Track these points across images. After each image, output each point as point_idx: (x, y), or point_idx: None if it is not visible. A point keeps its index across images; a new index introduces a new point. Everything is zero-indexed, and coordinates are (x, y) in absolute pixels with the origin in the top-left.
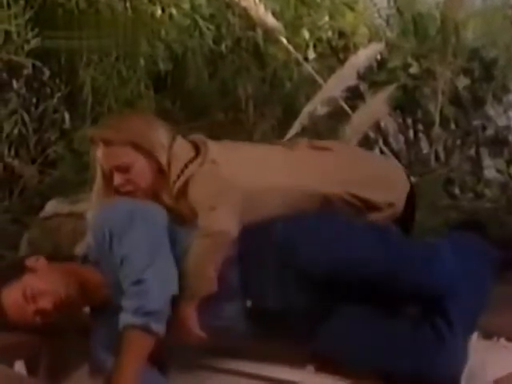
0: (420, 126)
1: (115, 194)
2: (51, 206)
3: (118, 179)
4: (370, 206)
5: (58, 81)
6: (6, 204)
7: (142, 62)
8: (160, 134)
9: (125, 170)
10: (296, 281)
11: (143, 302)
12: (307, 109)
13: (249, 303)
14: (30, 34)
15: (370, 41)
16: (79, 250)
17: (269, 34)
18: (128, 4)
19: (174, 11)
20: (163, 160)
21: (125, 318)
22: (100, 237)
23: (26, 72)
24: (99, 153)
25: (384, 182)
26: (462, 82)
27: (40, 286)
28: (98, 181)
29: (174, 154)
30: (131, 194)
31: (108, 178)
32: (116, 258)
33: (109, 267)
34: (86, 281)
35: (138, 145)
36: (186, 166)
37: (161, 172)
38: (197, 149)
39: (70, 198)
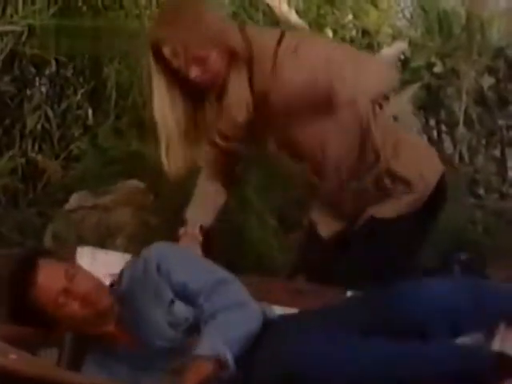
0: (444, 126)
1: (184, 89)
2: (75, 199)
3: (195, 71)
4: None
5: (81, 77)
6: (31, 197)
7: None
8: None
9: (201, 61)
10: None
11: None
12: None
13: None
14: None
15: (393, 40)
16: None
17: (293, 32)
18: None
19: None
20: (238, 46)
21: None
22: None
23: (49, 68)
24: (168, 52)
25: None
26: (487, 81)
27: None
28: (160, 83)
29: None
30: (207, 84)
31: (171, 76)
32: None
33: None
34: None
35: (211, 36)
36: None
37: (235, 58)
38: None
39: (94, 191)
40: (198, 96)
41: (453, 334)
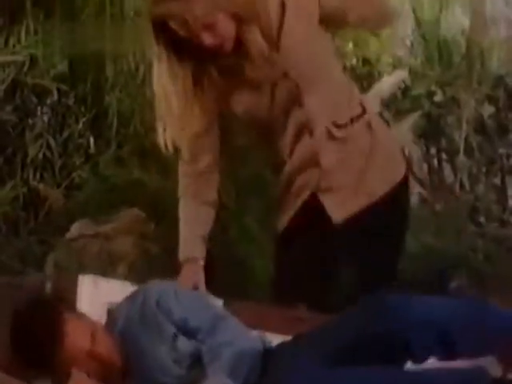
0: (444, 155)
1: (184, 62)
2: (76, 228)
3: (207, 38)
4: None
5: (83, 105)
6: (32, 226)
7: None
8: None
9: (211, 27)
10: None
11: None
12: None
13: None
14: (56, 59)
15: (394, 68)
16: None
17: None
18: None
19: None
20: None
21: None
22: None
23: (51, 97)
24: (175, 24)
25: None
26: (487, 110)
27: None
28: (161, 57)
29: None
30: (221, 47)
31: (172, 50)
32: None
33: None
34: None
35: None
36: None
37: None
38: None
39: (95, 219)
40: (197, 69)
41: (448, 352)
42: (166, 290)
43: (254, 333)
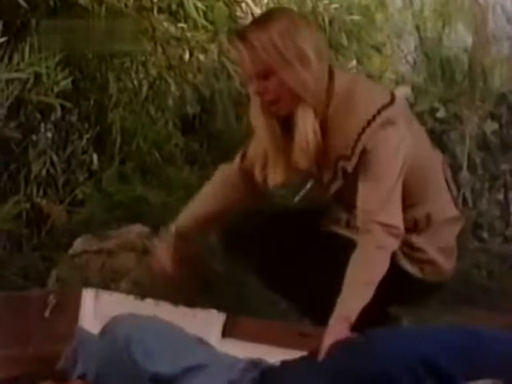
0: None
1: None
2: (79, 244)
3: (256, 85)
4: None
5: (86, 122)
6: (35, 242)
7: (170, 102)
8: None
9: (266, 77)
10: None
11: None
12: None
13: None
14: (59, 76)
15: (396, 85)
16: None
17: None
18: (159, 48)
19: (201, 56)
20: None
21: None
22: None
23: (55, 113)
24: (243, 51)
25: None
26: (490, 126)
27: None
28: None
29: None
30: (271, 106)
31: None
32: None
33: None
34: None
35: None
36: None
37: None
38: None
39: (98, 235)
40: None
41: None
42: (134, 334)
43: (242, 363)
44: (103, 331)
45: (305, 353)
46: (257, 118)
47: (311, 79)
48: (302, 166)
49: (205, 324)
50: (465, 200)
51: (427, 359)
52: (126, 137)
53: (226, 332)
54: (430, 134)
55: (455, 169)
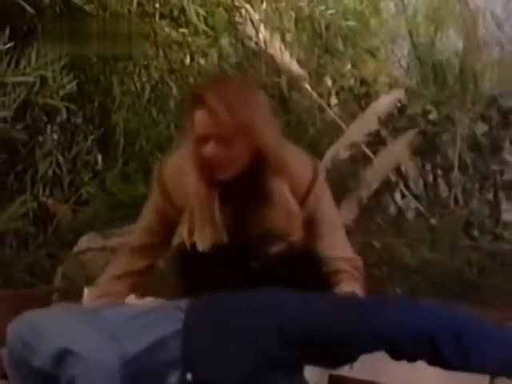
0: (439, 171)
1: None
2: (84, 241)
3: (211, 148)
4: None
5: (91, 124)
6: (41, 240)
7: (172, 105)
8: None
9: (225, 142)
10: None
11: None
12: (330, 153)
13: (189, 376)
14: (65, 80)
15: (390, 88)
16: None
17: (293, 81)
18: (161, 52)
19: (202, 60)
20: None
21: None
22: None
23: (60, 116)
24: (200, 116)
25: None
26: (480, 128)
27: None
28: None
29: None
30: (218, 169)
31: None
32: None
33: None
34: None
35: (250, 128)
36: (312, 182)
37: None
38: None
39: (102, 233)
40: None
41: (434, 357)
42: (15, 339)
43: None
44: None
45: None
46: (196, 182)
47: (275, 142)
48: (296, 235)
49: None
50: (456, 199)
51: (432, 335)
52: (129, 138)
53: None
54: (422, 135)
55: (447, 169)
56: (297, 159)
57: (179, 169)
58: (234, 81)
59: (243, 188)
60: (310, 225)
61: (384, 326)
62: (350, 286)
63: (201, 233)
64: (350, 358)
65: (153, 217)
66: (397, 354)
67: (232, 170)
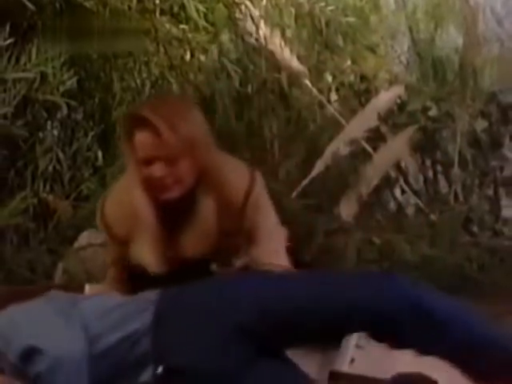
0: (439, 167)
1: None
2: (85, 237)
3: (159, 169)
4: None
5: (91, 120)
6: (42, 236)
7: None
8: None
9: (170, 162)
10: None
11: None
12: (330, 149)
13: (160, 369)
14: (65, 76)
15: (390, 84)
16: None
17: (293, 77)
18: (161, 48)
19: (202, 56)
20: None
21: None
22: None
23: (60, 112)
24: (141, 137)
25: None
26: (480, 124)
27: None
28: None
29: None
30: (168, 189)
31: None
32: None
33: None
34: None
35: (192, 143)
36: (249, 190)
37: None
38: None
39: None
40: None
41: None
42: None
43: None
44: None
45: None
46: (144, 206)
47: (213, 157)
48: (202, 252)
49: None
50: (456, 195)
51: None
52: None
53: None
54: (422, 131)
55: (447, 165)
56: (233, 169)
57: (119, 201)
58: (172, 99)
59: (179, 208)
60: (249, 232)
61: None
62: None
63: (150, 256)
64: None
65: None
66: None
67: (180, 188)
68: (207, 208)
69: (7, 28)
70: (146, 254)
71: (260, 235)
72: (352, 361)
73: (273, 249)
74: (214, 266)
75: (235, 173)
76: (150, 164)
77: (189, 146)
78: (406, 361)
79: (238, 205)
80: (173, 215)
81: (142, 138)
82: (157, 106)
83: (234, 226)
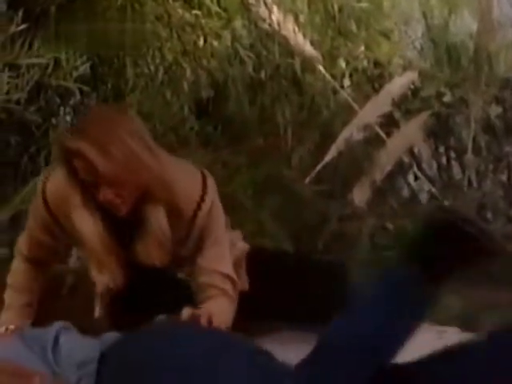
0: (453, 153)
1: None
2: None
3: (107, 194)
4: None
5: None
6: None
7: (185, 87)
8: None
9: (114, 184)
10: None
11: None
12: (343, 134)
13: None
14: (78, 61)
15: (404, 70)
16: None
17: (307, 62)
18: (174, 34)
19: (215, 42)
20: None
21: None
22: None
23: (74, 97)
24: (80, 164)
25: None
26: (494, 110)
27: None
28: (76, 197)
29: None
30: (118, 208)
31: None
32: None
33: None
34: None
35: (133, 163)
36: (201, 199)
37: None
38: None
39: None
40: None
41: None
42: None
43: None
44: None
45: None
46: (88, 225)
47: (158, 167)
48: (161, 261)
49: None
50: (470, 181)
51: None
52: (142, 120)
53: None
54: (436, 117)
55: (460, 151)
56: (183, 178)
57: (64, 192)
58: (104, 117)
59: (130, 219)
60: (197, 240)
61: None
62: (219, 304)
63: (102, 274)
64: None
65: (38, 227)
66: None
67: (128, 205)
68: (158, 217)
69: (20, 13)
70: (96, 273)
71: (207, 241)
72: None
73: (219, 255)
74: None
75: (186, 181)
76: (95, 187)
77: (128, 165)
78: (422, 346)
79: (189, 214)
80: (124, 225)
81: (80, 165)
82: (86, 133)
83: (184, 235)
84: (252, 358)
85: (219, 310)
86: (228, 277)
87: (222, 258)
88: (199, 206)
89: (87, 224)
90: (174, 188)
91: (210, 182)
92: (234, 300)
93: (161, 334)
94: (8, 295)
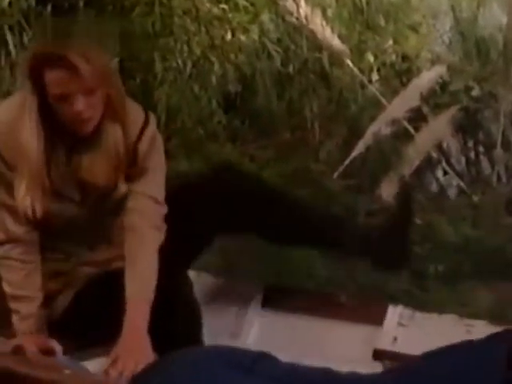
0: (481, 148)
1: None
2: None
3: (82, 103)
4: None
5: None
6: None
7: (213, 80)
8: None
9: (90, 93)
10: None
11: None
12: (371, 129)
13: None
14: None
15: (432, 64)
16: None
17: (335, 56)
18: (202, 28)
19: (242, 36)
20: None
21: None
22: None
23: None
24: (53, 75)
25: None
26: None
27: None
28: (32, 106)
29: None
30: (86, 123)
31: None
32: None
33: None
34: None
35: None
36: (145, 124)
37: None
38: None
39: None
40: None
41: None
42: None
43: None
44: None
45: (342, 323)
46: (32, 141)
47: (121, 90)
48: (102, 179)
49: (245, 295)
50: (499, 176)
51: None
52: (170, 114)
53: (266, 303)
54: (464, 112)
55: (489, 146)
56: (131, 103)
57: (13, 122)
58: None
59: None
60: (137, 166)
61: None
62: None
63: (27, 197)
64: None
65: None
66: None
67: (95, 122)
68: (115, 133)
69: (49, 8)
70: (22, 195)
71: (147, 168)
72: (395, 339)
73: (152, 182)
74: None
75: (133, 107)
76: (66, 100)
77: (104, 74)
78: (450, 339)
79: (134, 137)
80: (74, 141)
81: (55, 75)
82: (65, 42)
83: (125, 159)
84: None
85: (140, 315)
86: (159, 204)
87: (159, 185)
88: (142, 131)
89: (32, 141)
90: (127, 109)
91: (152, 116)
92: (162, 229)
93: None
94: None
